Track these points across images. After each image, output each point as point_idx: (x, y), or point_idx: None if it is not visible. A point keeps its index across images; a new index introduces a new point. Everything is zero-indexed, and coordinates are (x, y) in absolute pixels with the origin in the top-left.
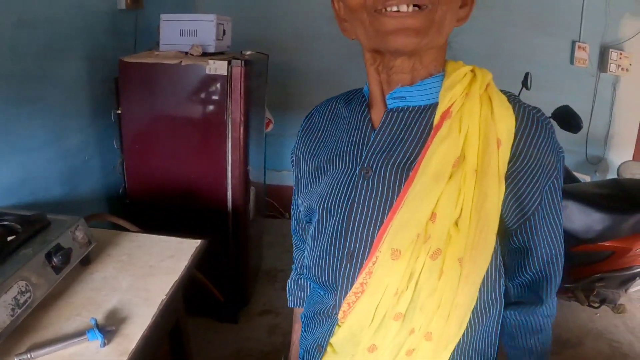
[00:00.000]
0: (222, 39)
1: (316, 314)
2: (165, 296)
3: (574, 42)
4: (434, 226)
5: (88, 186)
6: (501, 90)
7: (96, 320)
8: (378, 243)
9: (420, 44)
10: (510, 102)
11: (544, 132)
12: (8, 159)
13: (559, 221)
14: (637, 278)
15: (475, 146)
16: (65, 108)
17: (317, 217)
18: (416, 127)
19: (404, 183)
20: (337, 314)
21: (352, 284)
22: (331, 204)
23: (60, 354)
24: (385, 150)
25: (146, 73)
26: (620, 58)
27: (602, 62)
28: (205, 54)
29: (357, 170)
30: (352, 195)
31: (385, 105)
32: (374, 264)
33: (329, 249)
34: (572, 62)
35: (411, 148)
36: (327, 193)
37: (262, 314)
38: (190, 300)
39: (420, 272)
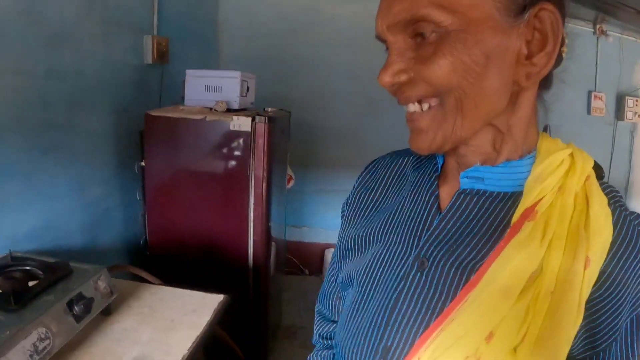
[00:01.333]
0: (246, 96)
1: None
2: (187, 351)
3: (590, 92)
4: (488, 348)
5: (109, 236)
6: (601, 185)
7: None
8: (420, 347)
9: (436, 145)
10: (610, 205)
11: None
12: (32, 205)
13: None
14: None
15: (558, 261)
16: (89, 158)
17: (355, 295)
18: (490, 219)
19: (462, 286)
20: None
21: None
22: (375, 287)
23: None
24: (447, 241)
25: (171, 127)
26: (636, 105)
27: (619, 110)
28: (229, 110)
29: (412, 258)
30: (401, 285)
31: (458, 182)
32: None
33: (364, 337)
34: (589, 111)
35: (479, 245)
36: (373, 272)
37: None
38: (210, 356)
39: None
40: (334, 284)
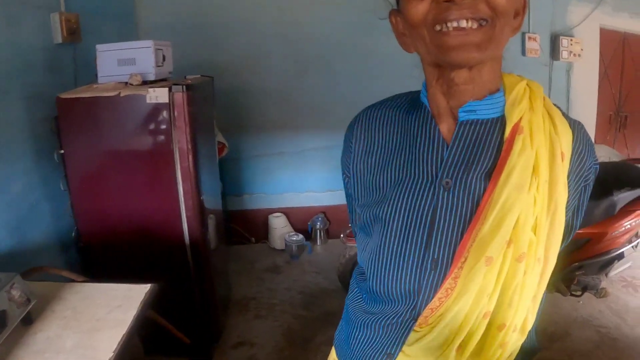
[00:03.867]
0: (163, 65)
1: (378, 323)
2: (112, 353)
3: (523, 34)
4: (517, 232)
5: (38, 233)
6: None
7: None
8: (462, 250)
9: (482, 58)
10: (563, 115)
11: (588, 147)
12: None
13: (582, 213)
14: (616, 261)
15: (546, 159)
16: (3, 152)
17: (389, 228)
18: (488, 139)
19: (483, 193)
20: (412, 320)
21: (436, 290)
22: (410, 215)
23: None
24: (461, 162)
25: (85, 108)
26: (571, 44)
27: (554, 50)
28: (146, 83)
29: (437, 182)
30: (434, 206)
31: (454, 117)
32: (460, 270)
33: (410, 258)
34: (523, 53)
35: (487, 160)
36: (404, 203)
37: (237, 347)
38: (159, 341)
39: (507, 273)
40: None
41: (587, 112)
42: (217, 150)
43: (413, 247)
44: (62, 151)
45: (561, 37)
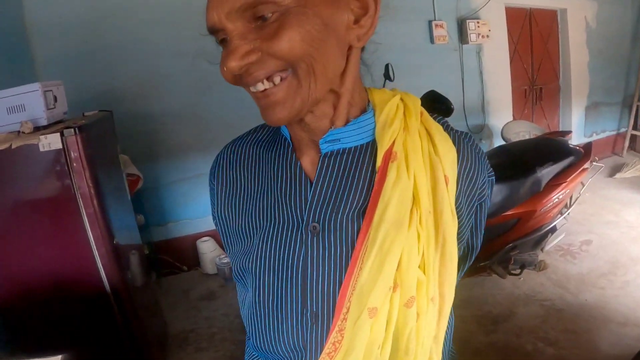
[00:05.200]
0: (55, 107)
1: None
2: None
3: (430, 22)
4: (401, 274)
5: None
6: (432, 116)
7: None
8: (342, 300)
9: (294, 113)
10: (445, 130)
11: (479, 162)
12: None
13: (481, 231)
14: (550, 234)
15: (426, 187)
16: None
17: (260, 281)
18: (358, 171)
19: (357, 234)
20: None
21: (322, 345)
22: (279, 266)
23: None
24: (328, 201)
25: None
26: (478, 26)
27: (462, 35)
28: (39, 128)
29: (302, 227)
30: (303, 254)
31: (316, 148)
32: (343, 322)
33: (287, 313)
34: (432, 41)
35: (357, 195)
36: (271, 253)
37: None
38: None
39: (397, 321)
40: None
41: (502, 90)
42: (127, 185)
43: (289, 301)
44: None
45: (467, 21)
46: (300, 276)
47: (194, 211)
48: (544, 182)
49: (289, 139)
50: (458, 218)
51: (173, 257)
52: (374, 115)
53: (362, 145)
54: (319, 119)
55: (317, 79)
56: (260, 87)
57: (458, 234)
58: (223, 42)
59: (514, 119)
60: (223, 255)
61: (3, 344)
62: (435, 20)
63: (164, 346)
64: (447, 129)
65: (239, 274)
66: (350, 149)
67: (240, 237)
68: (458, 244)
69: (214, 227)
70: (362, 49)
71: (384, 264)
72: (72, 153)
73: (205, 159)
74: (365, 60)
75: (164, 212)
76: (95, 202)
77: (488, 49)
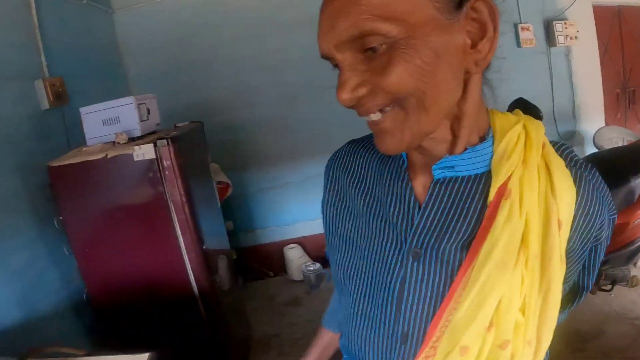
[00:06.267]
0: (148, 119)
1: None
2: None
3: (516, 25)
4: (499, 316)
5: (49, 301)
6: (554, 146)
7: None
8: (433, 330)
9: (405, 143)
10: (567, 166)
11: (599, 202)
12: None
13: (594, 272)
14: None
15: (537, 230)
16: (3, 227)
17: (358, 290)
18: (468, 202)
19: (458, 266)
20: None
21: None
22: (377, 281)
23: None
24: (435, 229)
25: (76, 173)
26: (565, 27)
27: (549, 37)
28: (133, 139)
29: (405, 250)
30: (402, 276)
31: (430, 173)
32: (431, 349)
33: (379, 328)
34: (519, 45)
35: (464, 226)
36: (372, 267)
37: None
38: None
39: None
40: None
41: (593, 94)
42: (217, 193)
43: (382, 317)
44: (61, 216)
45: (554, 22)
46: (396, 296)
47: (282, 219)
48: (637, 192)
49: (404, 158)
50: (568, 261)
51: (260, 263)
52: (493, 143)
53: (476, 175)
54: (437, 143)
55: (428, 112)
56: (373, 117)
57: (566, 275)
58: (337, 66)
59: (607, 124)
60: (309, 263)
61: (95, 339)
62: (521, 23)
63: (248, 349)
64: (570, 163)
65: (340, 280)
66: (463, 177)
67: (343, 240)
68: (564, 285)
69: (301, 235)
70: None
71: (483, 305)
72: (164, 162)
73: (293, 168)
74: (488, 81)
75: (253, 219)
76: (186, 208)
77: (577, 50)
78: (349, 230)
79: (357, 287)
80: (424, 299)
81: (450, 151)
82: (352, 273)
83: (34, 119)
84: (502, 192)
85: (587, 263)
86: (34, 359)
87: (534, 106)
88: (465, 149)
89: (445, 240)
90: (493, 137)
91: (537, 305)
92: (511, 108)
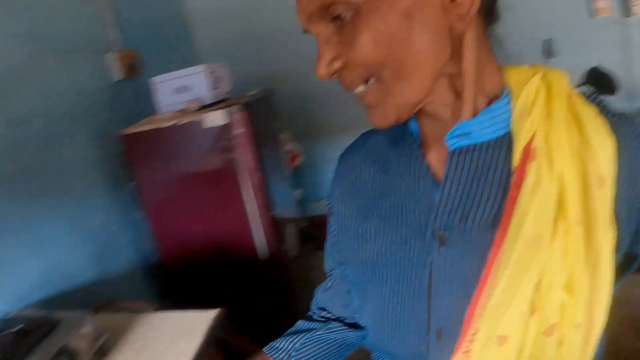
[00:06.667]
0: (219, 87)
1: None
2: None
3: None
4: (541, 297)
5: (121, 262)
6: (581, 94)
7: None
8: (469, 321)
9: (393, 116)
10: (600, 115)
11: None
12: (33, 255)
13: None
14: None
15: (575, 192)
16: (80, 192)
17: (383, 290)
18: (491, 171)
19: (490, 244)
20: None
21: None
22: (403, 276)
23: None
24: (458, 207)
25: (148, 140)
26: None
27: (625, 6)
28: (204, 107)
29: (428, 236)
30: (428, 264)
31: (444, 145)
32: (470, 343)
33: (411, 325)
34: (591, 14)
35: (490, 200)
36: (395, 263)
37: None
38: None
39: (533, 352)
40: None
41: None
42: (286, 161)
43: (414, 312)
44: (134, 182)
45: None
46: (425, 288)
47: None
48: None
49: (415, 133)
50: (616, 227)
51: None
52: (510, 101)
53: (496, 139)
54: (440, 107)
55: (410, 81)
56: (356, 91)
57: (616, 243)
58: None
59: None
60: None
61: (163, 300)
62: None
63: None
64: (603, 111)
65: (359, 284)
66: (482, 144)
67: (359, 238)
68: (615, 254)
69: None
70: (490, 21)
71: (518, 287)
72: (235, 129)
73: None
74: (497, 35)
75: (322, 188)
76: (256, 175)
77: None
78: (364, 229)
79: (380, 285)
80: (456, 288)
81: (461, 116)
82: (370, 271)
83: (107, 90)
84: (527, 153)
85: (638, 227)
86: (107, 311)
87: (609, 76)
88: (478, 112)
89: (471, 219)
90: (509, 94)
91: (585, 282)
92: (586, 79)
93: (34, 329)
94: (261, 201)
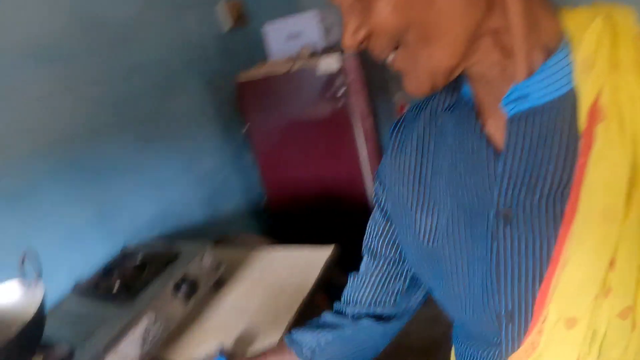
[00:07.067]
0: (330, 34)
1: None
2: (292, 315)
3: None
4: (615, 276)
5: (230, 205)
6: None
7: (223, 346)
8: (542, 303)
9: (424, 82)
10: None
11: None
12: (147, 195)
13: None
14: None
15: None
16: (193, 136)
17: (448, 277)
18: (557, 136)
19: (560, 220)
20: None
21: (519, 342)
22: (467, 260)
23: None
24: (522, 179)
25: (261, 86)
26: None
27: None
28: (316, 53)
29: (491, 214)
30: (495, 245)
31: (502, 112)
32: (542, 324)
33: (482, 310)
34: None
35: (558, 170)
36: (456, 246)
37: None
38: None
39: (606, 335)
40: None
41: None
42: (395, 110)
43: (482, 296)
44: (247, 128)
45: None
46: (493, 270)
47: None
48: None
49: (469, 99)
50: None
51: None
52: (571, 52)
53: (559, 99)
54: (488, 68)
55: (438, 44)
56: (390, 57)
57: None
58: None
59: None
60: None
61: (276, 234)
62: None
63: None
64: None
65: (422, 272)
66: (543, 106)
67: (411, 219)
68: None
69: None
70: None
71: (588, 265)
72: (348, 75)
73: None
74: None
75: None
76: (367, 122)
77: None
78: (418, 204)
79: (444, 272)
80: (525, 268)
81: (515, 77)
82: (432, 252)
83: (218, 39)
84: (595, 114)
85: None
86: (225, 244)
87: None
88: (535, 71)
89: (538, 192)
90: (569, 43)
91: None
92: None
93: (156, 259)
94: (372, 147)
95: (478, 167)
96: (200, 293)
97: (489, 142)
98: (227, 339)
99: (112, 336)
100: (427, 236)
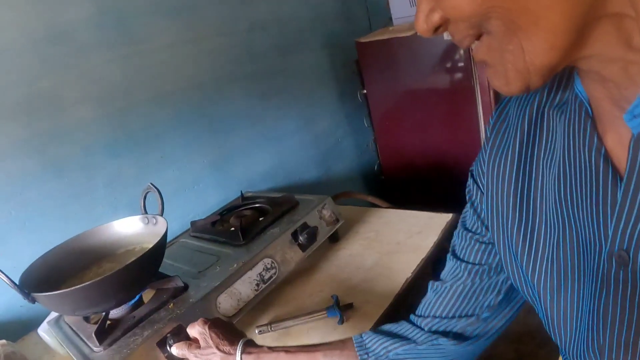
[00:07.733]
0: None
1: None
2: (410, 274)
3: None
4: None
5: (342, 166)
6: None
7: (337, 297)
8: (637, 349)
9: (514, 79)
10: None
11: None
12: (263, 148)
13: None
14: None
15: None
16: (310, 95)
17: (542, 302)
18: None
19: None
20: None
21: None
22: (570, 299)
23: (298, 328)
24: None
25: (384, 50)
26: None
27: None
28: None
29: (604, 253)
30: (605, 288)
31: (624, 122)
32: None
33: (582, 348)
34: None
35: None
36: (559, 279)
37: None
38: None
39: None
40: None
41: None
42: None
43: (579, 340)
44: (365, 91)
45: None
46: (595, 318)
47: None
48: None
49: (585, 102)
50: None
51: None
52: None
53: None
54: (606, 64)
55: (532, 35)
56: (473, 45)
57: None
58: None
59: None
60: None
61: (388, 199)
62: None
63: None
64: None
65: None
66: None
67: (509, 234)
68: None
69: None
70: None
71: None
72: None
73: None
74: None
75: None
76: (491, 92)
77: None
78: (517, 215)
79: (543, 303)
80: (629, 316)
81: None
82: (535, 289)
83: (339, 2)
84: None
85: None
86: (343, 199)
87: None
88: None
89: None
90: None
91: None
92: None
93: (275, 205)
94: None
95: (592, 189)
96: (317, 243)
97: (607, 158)
98: (340, 292)
99: (228, 275)
100: (527, 264)
